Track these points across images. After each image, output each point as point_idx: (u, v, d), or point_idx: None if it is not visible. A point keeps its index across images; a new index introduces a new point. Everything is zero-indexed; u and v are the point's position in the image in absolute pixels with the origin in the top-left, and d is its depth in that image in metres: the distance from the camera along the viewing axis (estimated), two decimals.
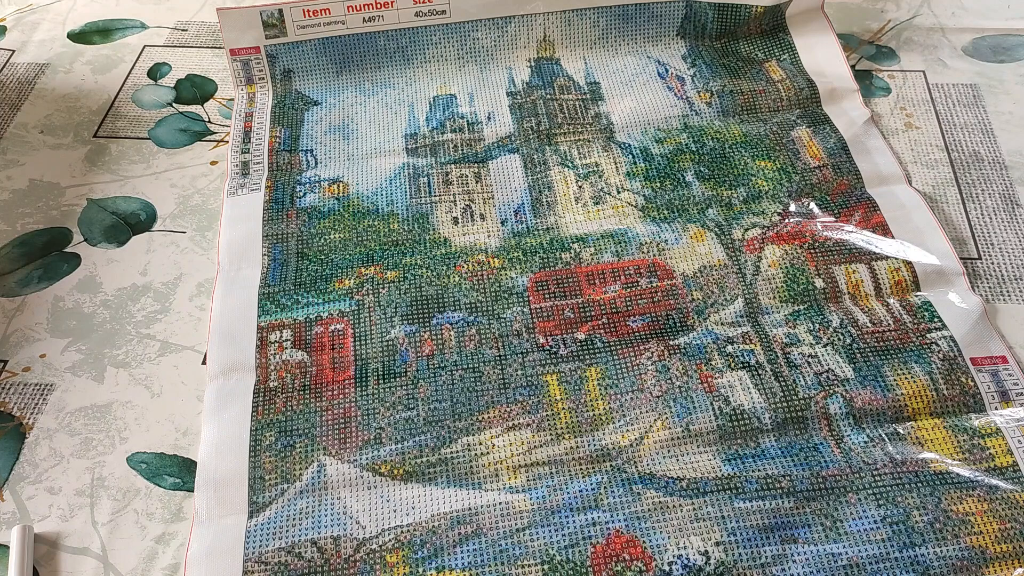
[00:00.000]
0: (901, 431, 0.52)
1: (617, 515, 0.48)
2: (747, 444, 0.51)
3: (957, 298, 0.58)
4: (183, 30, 0.84)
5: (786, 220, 0.63)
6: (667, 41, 0.78)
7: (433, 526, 0.48)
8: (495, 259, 0.62)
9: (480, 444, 0.52)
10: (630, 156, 0.69)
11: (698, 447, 0.51)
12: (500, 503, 0.49)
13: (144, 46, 0.82)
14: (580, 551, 0.47)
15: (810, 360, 0.55)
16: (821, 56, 0.76)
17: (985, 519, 0.48)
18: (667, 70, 0.76)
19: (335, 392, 0.55)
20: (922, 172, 0.68)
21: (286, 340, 0.57)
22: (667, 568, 0.46)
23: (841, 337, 0.56)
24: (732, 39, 0.78)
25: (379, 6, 0.74)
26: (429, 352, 0.56)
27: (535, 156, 0.69)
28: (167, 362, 0.58)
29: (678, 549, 0.47)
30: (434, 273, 0.61)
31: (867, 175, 0.66)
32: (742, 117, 0.72)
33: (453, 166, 0.69)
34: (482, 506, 0.49)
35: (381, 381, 0.55)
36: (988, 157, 0.69)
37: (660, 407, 0.53)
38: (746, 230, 0.63)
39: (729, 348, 0.56)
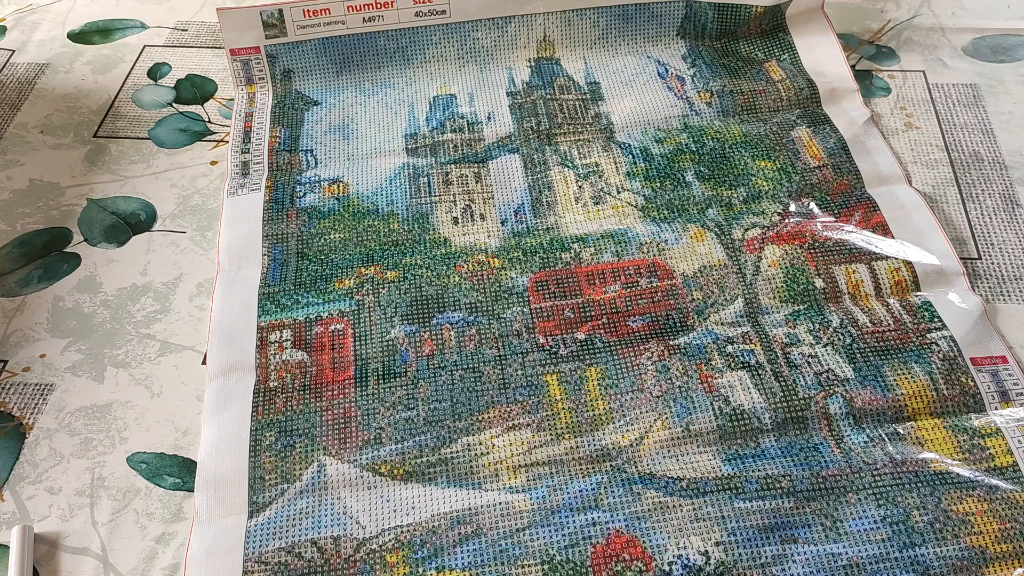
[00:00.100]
0: (901, 431, 0.52)
1: (617, 515, 0.48)
2: (747, 444, 0.51)
3: (957, 298, 0.58)
4: (183, 30, 0.84)
5: (786, 220, 0.63)
6: (667, 41, 0.78)
7: (433, 526, 0.48)
8: (495, 259, 0.62)
9: (480, 444, 0.52)
10: (630, 156, 0.69)
11: (698, 447, 0.51)
12: (500, 503, 0.49)
13: (144, 46, 0.82)
14: (580, 551, 0.47)
15: (810, 360, 0.55)
16: (821, 56, 0.76)
17: (985, 519, 0.48)
18: (667, 70, 0.76)
19: (335, 392, 0.55)
20: (922, 172, 0.68)
21: (286, 340, 0.57)
22: (667, 568, 0.46)
23: (841, 337, 0.56)
24: (732, 39, 0.78)
25: (379, 6, 0.74)
26: (429, 352, 0.56)
27: (535, 156, 0.69)
28: (167, 362, 0.58)
29: (678, 549, 0.47)
30: (434, 273, 0.61)
31: (867, 175, 0.66)
32: (742, 117, 0.72)
33: (453, 166, 0.69)
34: (482, 506, 0.49)
35: (381, 381, 0.55)
36: (988, 157, 0.69)
37: (660, 407, 0.53)
38: (746, 230, 0.63)
39: (729, 348, 0.56)
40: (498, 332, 0.57)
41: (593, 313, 0.58)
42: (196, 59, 0.81)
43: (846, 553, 0.47)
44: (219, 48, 0.81)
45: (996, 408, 0.53)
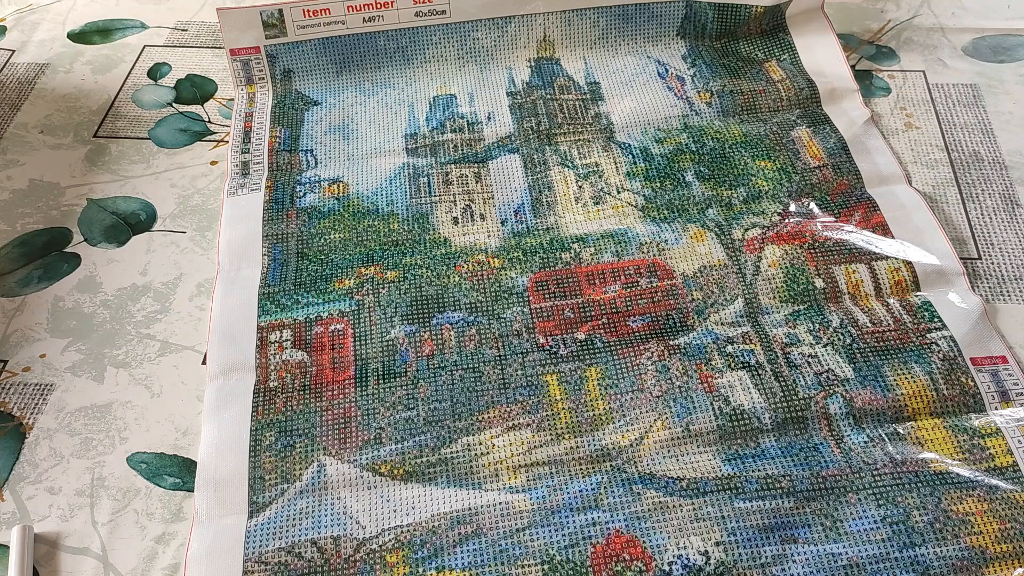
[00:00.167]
0: (901, 431, 0.52)
1: (617, 515, 0.48)
2: (747, 444, 0.51)
3: (957, 298, 0.58)
4: (183, 30, 0.84)
5: (786, 220, 0.63)
6: (667, 41, 0.78)
7: (433, 526, 0.48)
8: (495, 259, 0.62)
9: (480, 444, 0.52)
10: (630, 156, 0.69)
11: (698, 447, 0.51)
12: (500, 503, 0.49)
13: (144, 46, 0.82)
14: (580, 551, 0.47)
15: (810, 360, 0.55)
16: (821, 56, 0.76)
17: (985, 519, 0.48)
18: (667, 70, 0.76)
19: (335, 392, 0.55)
20: (922, 172, 0.68)
21: (286, 340, 0.57)
22: (667, 568, 0.46)
23: (841, 337, 0.56)
24: (732, 39, 0.78)
25: (379, 6, 0.74)
26: (429, 352, 0.56)
27: (535, 156, 0.69)
28: (167, 362, 0.58)
29: (678, 549, 0.47)
30: (434, 273, 0.61)
31: (867, 175, 0.66)
32: (742, 117, 0.72)
33: (453, 166, 0.69)
34: (482, 506, 0.49)
35: (381, 381, 0.55)
36: (988, 157, 0.69)
37: (660, 407, 0.53)
38: (746, 230, 0.63)
39: (729, 348, 0.56)
40: (498, 332, 0.57)
41: (593, 313, 0.58)
42: (196, 59, 0.81)
43: (846, 553, 0.47)
44: (219, 48, 0.81)
45: (996, 408, 0.53)
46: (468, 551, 0.47)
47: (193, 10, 0.86)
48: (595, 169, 0.68)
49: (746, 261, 0.61)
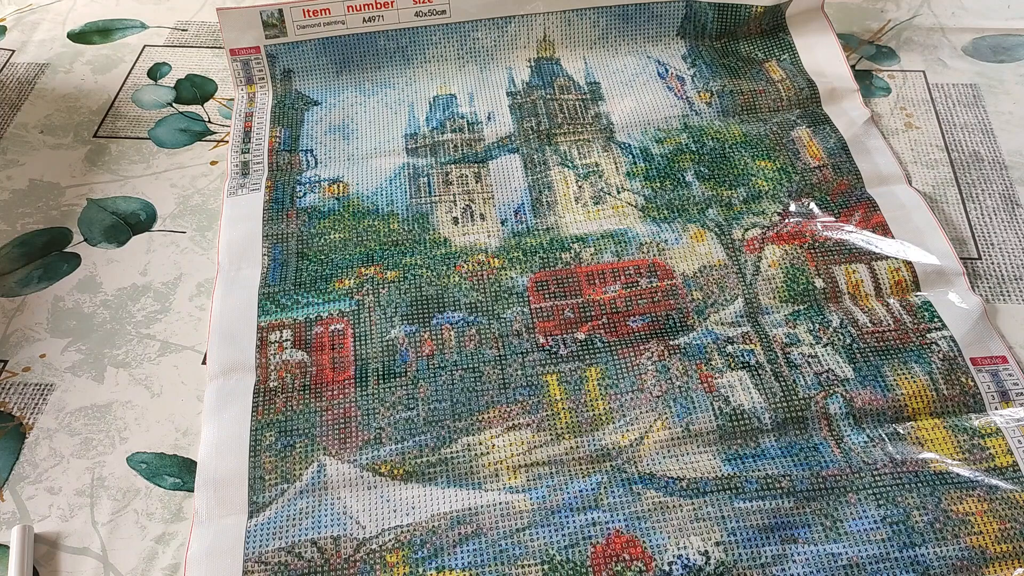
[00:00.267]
0: (901, 431, 0.52)
1: (617, 515, 0.48)
2: (747, 444, 0.51)
3: (957, 298, 0.58)
4: (183, 30, 0.84)
5: (786, 220, 0.63)
6: (667, 41, 0.78)
7: (433, 526, 0.48)
8: (495, 259, 0.62)
9: (480, 444, 0.52)
10: (630, 156, 0.69)
11: (698, 447, 0.51)
12: (500, 503, 0.49)
13: (144, 46, 0.82)
14: (580, 551, 0.47)
15: (810, 360, 0.55)
16: (821, 56, 0.76)
17: (985, 519, 0.48)
18: (667, 70, 0.76)
19: (335, 392, 0.55)
20: (922, 172, 0.68)
21: (286, 340, 0.57)
22: (667, 568, 0.46)
23: (841, 337, 0.56)
24: (732, 39, 0.78)
25: (379, 6, 0.74)
26: (429, 352, 0.56)
27: (535, 156, 0.69)
28: (167, 362, 0.58)
29: (678, 549, 0.47)
30: (434, 273, 0.61)
31: (867, 175, 0.66)
32: (742, 117, 0.72)
33: (453, 166, 0.69)
34: (482, 506, 0.49)
35: (381, 381, 0.55)
36: (988, 157, 0.69)
37: (660, 407, 0.53)
38: (746, 230, 0.63)
39: (729, 348, 0.56)
40: (498, 332, 0.57)
41: (593, 313, 0.58)
42: (196, 59, 0.81)
43: (846, 553, 0.47)
44: (219, 48, 0.81)
45: (996, 408, 0.53)
46: (468, 551, 0.47)
47: (193, 10, 0.86)
48: (595, 169, 0.68)
49: (746, 261, 0.61)
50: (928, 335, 0.56)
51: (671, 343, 0.56)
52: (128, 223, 0.66)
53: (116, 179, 0.70)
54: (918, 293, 0.59)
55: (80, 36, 0.83)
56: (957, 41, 0.80)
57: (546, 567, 0.47)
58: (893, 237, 0.61)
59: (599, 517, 0.48)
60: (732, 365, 0.55)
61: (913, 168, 0.68)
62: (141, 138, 0.73)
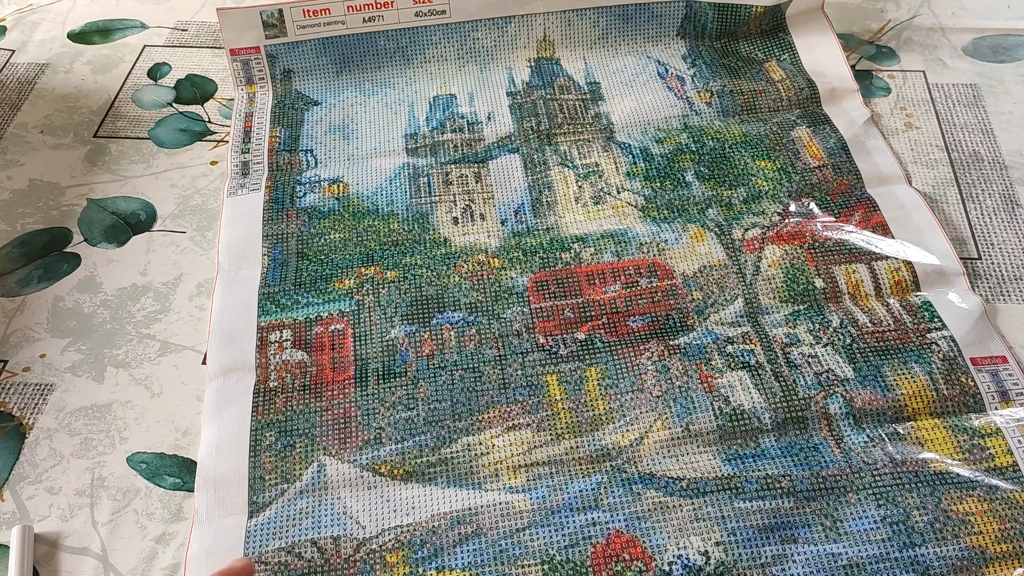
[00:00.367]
0: (901, 431, 0.52)
1: (617, 515, 0.48)
2: (747, 444, 0.51)
3: (957, 298, 0.58)
4: (183, 30, 0.84)
5: (786, 220, 0.63)
6: (667, 41, 0.78)
7: (433, 526, 0.48)
8: (495, 259, 0.62)
9: (480, 444, 0.52)
10: (630, 156, 0.69)
11: (698, 447, 0.51)
12: (500, 503, 0.49)
13: (144, 46, 0.82)
14: (580, 551, 0.47)
15: (810, 360, 0.55)
16: (821, 56, 0.76)
17: (985, 519, 0.48)
18: (667, 70, 0.76)
19: (335, 392, 0.55)
20: (922, 172, 0.68)
21: (286, 340, 0.57)
22: (667, 568, 0.46)
23: (841, 337, 0.56)
24: (732, 39, 0.78)
25: (379, 6, 0.74)
26: (429, 352, 0.56)
27: (535, 156, 0.69)
28: (167, 362, 0.58)
29: (678, 549, 0.47)
30: (434, 273, 0.61)
31: (867, 175, 0.66)
32: (742, 117, 0.72)
33: (453, 166, 0.69)
34: (482, 506, 0.49)
35: (381, 381, 0.55)
36: (988, 157, 0.69)
37: (660, 407, 0.53)
38: (746, 230, 0.63)
39: (729, 348, 0.56)
40: (498, 332, 0.57)
41: (593, 313, 0.58)
42: (196, 59, 0.81)
43: (846, 553, 0.47)
44: (219, 48, 0.81)
45: (996, 408, 0.53)
46: (468, 551, 0.47)
47: (193, 10, 0.86)
48: (595, 169, 0.68)
49: (746, 261, 0.61)
50: (928, 335, 0.56)
51: (671, 343, 0.56)
52: (128, 223, 0.66)
53: (116, 179, 0.70)
54: (918, 293, 0.59)
55: (80, 36, 0.83)
56: (957, 41, 0.80)
57: (546, 567, 0.47)
58: (893, 237, 0.61)
59: (599, 517, 0.48)
60: (732, 365, 0.55)
61: (913, 168, 0.68)
62: (141, 138, 0.73)
